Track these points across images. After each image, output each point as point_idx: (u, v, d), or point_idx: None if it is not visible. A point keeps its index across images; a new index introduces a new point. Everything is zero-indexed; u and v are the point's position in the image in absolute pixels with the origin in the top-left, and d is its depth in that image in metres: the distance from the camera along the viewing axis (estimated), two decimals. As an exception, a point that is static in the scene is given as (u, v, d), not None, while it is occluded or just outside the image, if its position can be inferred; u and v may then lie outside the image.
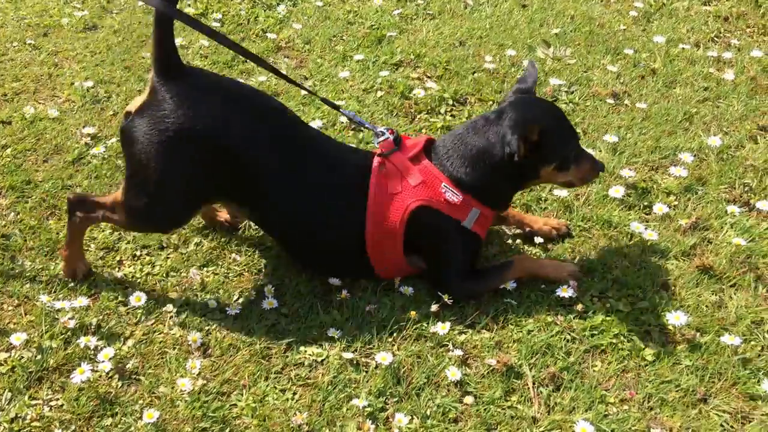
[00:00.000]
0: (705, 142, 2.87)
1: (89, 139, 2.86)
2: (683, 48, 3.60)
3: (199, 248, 2.36)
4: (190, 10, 3.90)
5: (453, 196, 2.12)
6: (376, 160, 2.16)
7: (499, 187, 2.18)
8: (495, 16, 3.94)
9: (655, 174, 2.75)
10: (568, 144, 2.21)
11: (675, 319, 2.05)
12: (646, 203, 2.59)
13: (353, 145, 2.38)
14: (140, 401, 1.86)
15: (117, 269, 2.27)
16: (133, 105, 2.08)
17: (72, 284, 2.19)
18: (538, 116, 2.17)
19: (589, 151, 2.48)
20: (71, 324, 2.01)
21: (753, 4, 4.05)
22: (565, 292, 2.15)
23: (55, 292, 2.16)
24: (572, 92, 3.27)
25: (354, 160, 2.20)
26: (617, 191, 2.59)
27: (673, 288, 2.24)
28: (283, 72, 2.79)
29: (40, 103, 3.10)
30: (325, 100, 2.31)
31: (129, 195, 2.09)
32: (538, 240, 2.38)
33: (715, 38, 3.74)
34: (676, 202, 2.60)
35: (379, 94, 3.22)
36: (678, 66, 3.46)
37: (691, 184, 2.68)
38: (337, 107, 2.34)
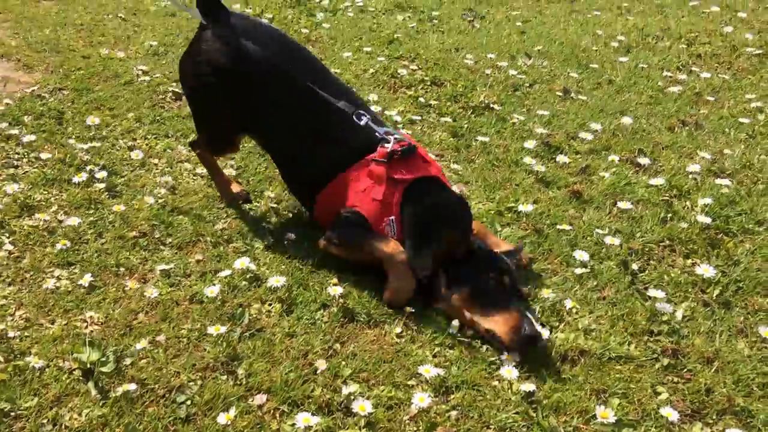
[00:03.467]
0: (621, 122, 3.39)
1: (141, 73, 3.77)
2: (644, 67, 4.15)
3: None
4: (247, 10, 4.88)
5: (391, 231, 2.25)
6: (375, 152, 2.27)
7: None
8: (494, 35, 4.66)
9: (572, 141, 3.29)
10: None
11: (524, 207, 2.59)
12: (553, 156, 3.14)
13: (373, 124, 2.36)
14: (116, 205, 2.59)
15: (130, 144, 3.08)
16: None
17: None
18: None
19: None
20: (85, 157, 2.82)
21: (730, 49, 4.56)
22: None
23: (82, 141, 3.01)
24: (532, 87, 3.88)
25: (358, 138, 2.31)
26: (530, 143, 3.16)
27: (545, 204, 2.77)
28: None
29: (114, 50, 4.07)
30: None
31: (195, 122, 2.64)
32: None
33: (681, 67, 4.27)
34: (579, 158, 3.13)
35: (372, 71, 3.97)
36: (635, 80, 4.01)
37: (597, 148, 3.20)
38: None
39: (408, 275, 2.17)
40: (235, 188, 2.71)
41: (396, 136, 2.32)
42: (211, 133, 2.59)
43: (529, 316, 2.03)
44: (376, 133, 2.32)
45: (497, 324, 2.00)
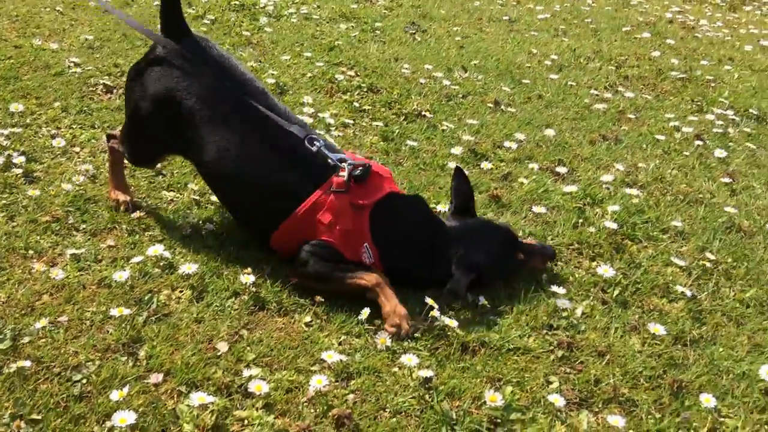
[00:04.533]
0: (545, 134, 3.53)
1: (73, 65, 3.73)
2: (572, 85, 4.32)
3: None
4: (190, 11, 4.88)
5: (368, 258, 2.22)
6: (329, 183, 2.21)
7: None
8: (433, 48, 4.77)
9: (497, 149, 3.40)
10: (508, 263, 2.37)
11: (443, 207, 2.67)
12: (478, 162, 3.24)
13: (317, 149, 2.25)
14: (32, 191, 2.56)
15: (54, 132, 3.05)
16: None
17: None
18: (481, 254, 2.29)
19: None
20: (4, 143, 2.78)
21: (656, 72, 4.78)
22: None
23: (3, 127, 2.96)
24: (465, 98, 3.99)
25: (311, 167, 2.23)
26: (457, 149, 3.25)
27: (464, 206, 2.85)
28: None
29: (48, 42, 4.02)
30: None
31: (123, 127, 2.51)
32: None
33: (608, 86, 4.45)
34: (502, 165, 3.23)
35: (309, 75, 4.02)
36: (563, 96, 4.17)
37: (520, 157, 3.32)
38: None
39: (393, 296, 2.14)
40: (126, 195, 2.55)
41: (349, 161, 2.25)
42: (134, 148, 2.48)
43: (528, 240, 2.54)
44: (329, 160, 2.25)
45: (536, 262, 2.44)
